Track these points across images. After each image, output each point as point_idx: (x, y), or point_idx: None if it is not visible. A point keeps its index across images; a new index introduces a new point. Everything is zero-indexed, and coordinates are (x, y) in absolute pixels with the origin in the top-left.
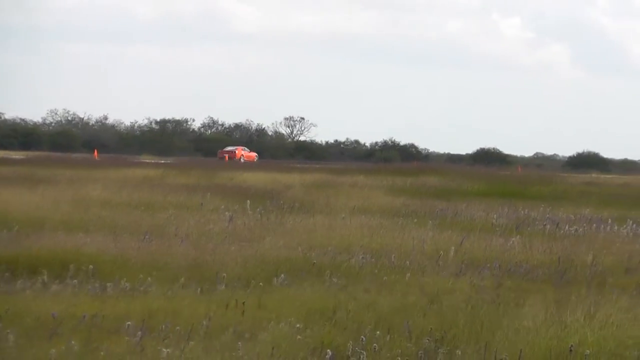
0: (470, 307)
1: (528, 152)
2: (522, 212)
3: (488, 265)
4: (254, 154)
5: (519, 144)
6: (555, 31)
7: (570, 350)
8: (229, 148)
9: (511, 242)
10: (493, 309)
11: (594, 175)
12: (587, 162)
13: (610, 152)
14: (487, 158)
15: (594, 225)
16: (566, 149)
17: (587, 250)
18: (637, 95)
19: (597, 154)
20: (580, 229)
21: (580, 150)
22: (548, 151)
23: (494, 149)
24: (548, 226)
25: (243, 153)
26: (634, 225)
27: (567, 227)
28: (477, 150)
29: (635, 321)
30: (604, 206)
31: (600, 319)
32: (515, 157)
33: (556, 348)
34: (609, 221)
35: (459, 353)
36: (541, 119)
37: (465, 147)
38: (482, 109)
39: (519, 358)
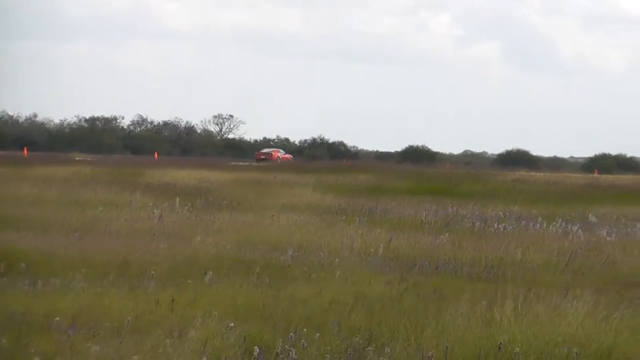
0: (399, 304)
1: (457, 150)
2: (451, 209)
3: (417, 262)
4: (289, 155)
5: (448, 142)
6: (486, 28)
7: (499, 348)
8: (266, 150)
9: (440, 239)
10: (422, 306)
11: (523, 172)
12: (516, 159)
13: (539, 149)
14: (416, 156)
15: (523, 222)
16: (495, 147)
17: (516, 247)
18: (565, 92)
19: (526, 151)
20: (510, 227)
21: (509, 148)
22: (477, 149)
23: (422, 146)
24: (477, 224)
25: (279, 155)
26: (563, 223)
27: (496, 225)
28: (406, 148)
29: (565, 319)
30: (533, 204)
31: (529, 317)
32: (444, 154)
33: (485, 345)
34: (538, 219)
35: (388, 350)
36: (471, 117)
37: (394, 144)
38: (411, 107)
39: (446, 355)
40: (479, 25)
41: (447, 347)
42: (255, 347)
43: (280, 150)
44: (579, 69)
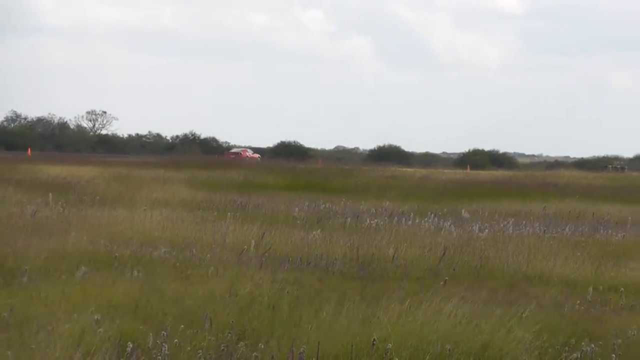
0: (272, 300)
1: (329, 146)
2: (324, 205)
3: (289, 258)
4: (257, 155)
5: (320, 138)
6: (358, 24)
7: (373, 345)
8: (235, 150)
9: (312, 235)
10: (294, 303)
11: (395, 168)
12: (388, 155)
13: (411, 145)
14: (288, 151)
15: (396, 218)
16: (367, 143)
17: (388, 243)
18: (437, 88)
19: (398, 147)
20: (382, 222)
21: (381, 144)
22: (349, 144)
23: (295, 142)
24: (349, 219)
25: (248, 154)
26: (435, 219)
27: (368, 221)
28: (278, 144)
29: (438, 316)
30: (405, 199)
31: (403, 314)
32: (316, 150)
33: (358, 342)
34: (411, 214)
35: (261, 347)
36: (343, 112)
37: (266, 140)
38: (284, 102)
39: (318, 351)
40: (350, 20)
41: (318, 342)
42: (129, 342)
43: (249, 150)
44: (451, 64)
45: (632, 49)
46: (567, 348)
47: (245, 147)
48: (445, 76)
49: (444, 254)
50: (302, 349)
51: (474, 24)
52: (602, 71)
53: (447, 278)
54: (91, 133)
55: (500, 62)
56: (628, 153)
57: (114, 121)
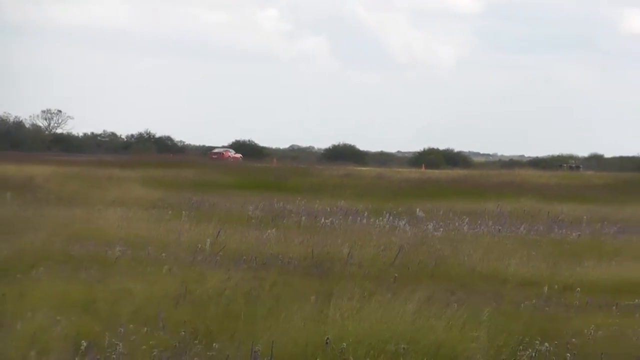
0: (227, 299)
1: (284, 145)
2: (278, 204)
3: (244, 257)
4: (239, 155)
5: (275, 137)
6: (314, 23)
7: (327, 343)
8: (217, 150)
9: (267, 234)
10: (250, 301)
11: (350, 167)
12: (343, 154)
13: (366, 144)
14: (244, 150)
15: (350, 217)
16: (322, 142)
17: (343, 242)
18: (393, 88)
19: (353, 146)
20: (337, 221)
21: (336, 143)
22: (304, 143)
23: (249, 141)
24: (304, 218)
25: (230, 154)
26: (390, 218)
27: (323, 219)
28: (233, 143)
29: (393, 315)
30: (360, 198)
31: (359, 312)
32: (271, 149)
33: (313, 341)
34: (365, 213)
35: (216, 346)
36: (298, 111)
37: (222, 139)
38: (240, 101)
39: (272, 350)
40: (306, 20)
41: (273, 342)
42: (83, 340)
43: (231, 150)
44: (407, 64)
45: (587, 47)
46: (521, 347)
47: (227, 147)
48: (401, 75)
49: (398, 253)
50: (256, 347)
51: (429, 23)
52: (558, 70)
53: (396, 275)
54: (46, 132)
55: (456, 61)
56: (583, 152)
57: (69, 120)
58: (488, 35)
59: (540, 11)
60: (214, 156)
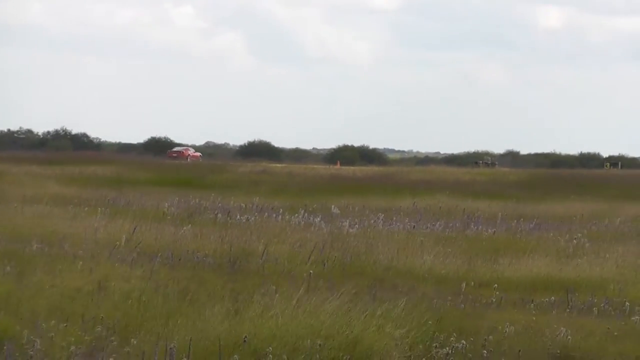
0: (143, 295)
1: (199, 141)
2: (194, 201)
3: (160, 254)
4: (198, 154)
5: (190, 133)
6: (229, 20)
7: (245, 341)
8: (177, 148)
9: (183, 231)
10: (166, 298)
11: (265, 164)
12: (258, 151)
13: (281, 141)
14: (159, 147)
15: (266, 214)
16: (237, 138)
17: (258, 239)
18: (309, 84)
19: (268, 143)
20: (252, 218)
21: (251, 139)
22: (219, 140)
23: (165, 138)
24: (219, 215)
25: (189, 153)
26: (305, 214)
27: (238, 216)
28: (149, 140)
29: (309, 311)
30: (275, 195)
31: (274, 309)
32: (186, 146)
33: (230, 338)
34: (280, 210)
35: (134, 342)
36: (214, 108)
37: (137, 136)
38: (155, 98)
39: (190, 347)
40: (222, 16)
41: (190, 339)
42: (2, 338)
43: (191, 149)
44: (323, 60)
45: (502, 45)
46: (437, 344)
47: (187, 146)
48: (317, 71)
49: (313, 249)
50: (172, 344)
51: (345, 19)
52: (473, 67)
53: (312, 272)
54: None
55: (372, 58)
56: (498, 149)
57: None
58: (404, 32)
59: (455, 8)
60: (173, 154)
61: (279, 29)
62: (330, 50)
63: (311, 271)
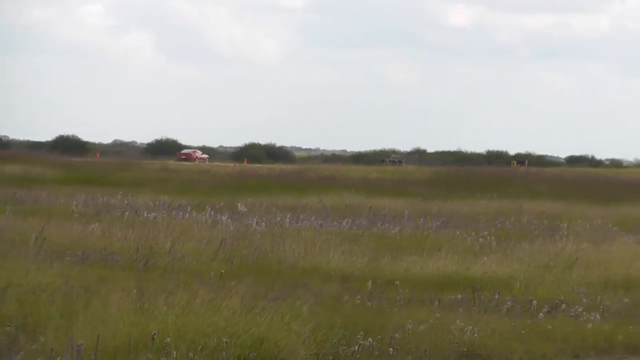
0: (52, 293)
1: (107, 139)
2: (102, 199)
3: (68, 251)
4: (205, 156)
5: (99, 131)
6: (139, 18)
7: (153, 338)
8: (186, 151)
9: (91, 228)
10: (74, 296)
11: (173, 162)
12: (165, 148)
13: (189, 139)
14: (66, 145)
15: (174, 212)
16: (145, 136)
17: (166, 237)
18: (217, 82)
19: (175, 140)
20: (160, 216)
21: (159, 137)
22: (127, 138)
23: (73, 136)
24: (127, 213)
25: (197, 155)
26: (212, 212)
27: (146, 214)
28: (57, 138)
29: (215, 309)
30: (183, 193)
31: (180, 307)
32: (94, 144)
33: (137, 335)
34: (188, 208)
35: (43, 339)
36: (122, 106)
37: (45, 134)
38: (63, 96)
39: (97, 345)
40: (131, 15)
41: (98, 336)
42: None
43: (198, 152)
44: (231, 58)
45: (411, 43)
46: (344, 342)
47: (195, 148)
48: (225, 69)
49: (219, 247)
50: (80, 342)
51: (253, 17)
52: (381, 65)
53: (219, 270)
54: None
55: (280, 56)
56: (405, 146)
57: None
58: (312, 30)
59: (364, 6)
60: (182, 157)
61: (188, 28)
62: (238, 49)
63: (221, 270)
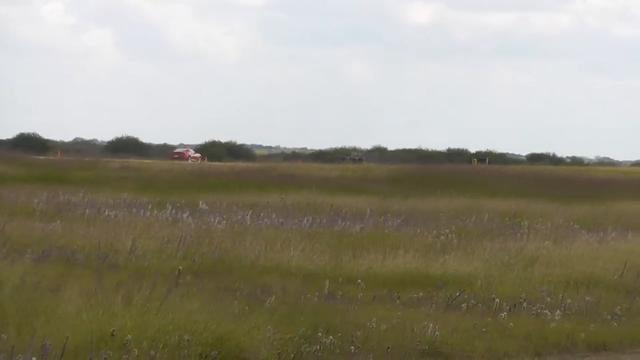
0: (13, 291)
1: (68, 137)
2: (63, 197)
3: (30, 249)
4: (198, 155)
5: (59, 129)
6: (99, 16)
7: (112, 335)
8: (178, 150)
9: (52, 226)
10: (36, 294)
11: (133, 160)
12: (126, 146)
13: (149, 137)
14: (28, 143)
15: (135, 210)
16: (105, 134)
17: (127, 235)
18: (177, 80)
19: (136, 138)
20: (121, 214)
21: (119, 135)
22: (88, 136)
23: (34, 133)
24: (88, 211)
25: (190, 154)
26: (173, 210)
27: (107, 212)
28: (18, 136)
29: (176, 307)
30: (144, 191)
31: (141, 305)
32: (55, 142)
33: (98, 333)
34: (149, 206)
35: (5, 337)
36: (83, 104)
37: (6, 132)
38: (24, 94)
39: (62, 343)
40: (91, 13)
41: (67, 337)
42: None
43: (191, 151)
44: (192, 56)
45: (371, 41)
46: (305, 340)
47: (187, 147)
48: (186, 67)
49: (178, 245)
50: (45, 340)
51: (214, 15)
52: (342, 63)
53: (180, 267)
54: None
55: (240, 54)
56: (366, 144)
57: None
58: (272, 28)
59: (325, 3)
60: (175, 156)
61: (148, 26)
62: (198, 47)
63: (180, 267)
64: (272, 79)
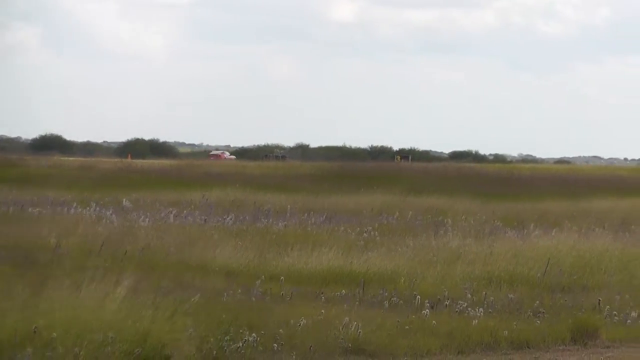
0: None
1: None
2: None
3: None
4: (233, 157)
5: None
6: (25, 14)
7: (35, 332)
8: (215, 152)
9: None
10: None
11: (57, 157)
12: (50, 144)
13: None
14: None
15: (59, 207)
16: (30, 132)
17: (51, 232)
18: (103, 78)
19: (60, 136)
20: (44, 211)
21: (43, 133)
22: (12, 134)
23: None
24: (11, 208)
25: (225, 156)
26: (97, 208)
27: (30, 209)
28: None
29: (101, 304)
30: (68, 188)
31: (66, 302)
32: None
33: (21, 330)
34: (74, 204)
35: None
36: (6, 102)
37: None
38: None
39: None
40: (16, 10)
41: None
42: None
43: (226, 153)
44: (118, 54)
45: (295, 38)
46: (229, 337)
47: (223, 149)
48: (110, 65)
49: (103, 243)
50: None
51: (140, 12)
52: (265, 60)
53: (104, 265)
54: None
55: (165, 51)
56: (289, 142)
57: None
58: (198, 25)
59: (250, 1)
60: (212, 157)
61: (75, 24)
62: (124, 44)
63: (106, 265)
64: (195, 77)
